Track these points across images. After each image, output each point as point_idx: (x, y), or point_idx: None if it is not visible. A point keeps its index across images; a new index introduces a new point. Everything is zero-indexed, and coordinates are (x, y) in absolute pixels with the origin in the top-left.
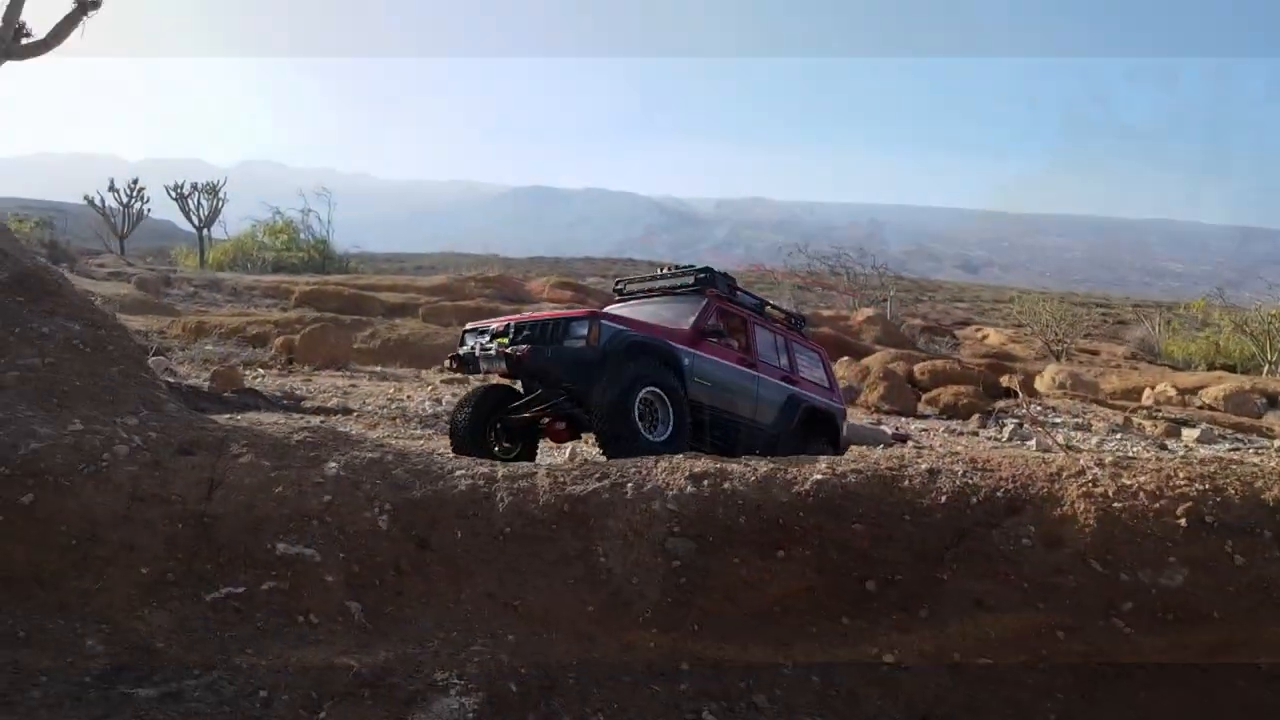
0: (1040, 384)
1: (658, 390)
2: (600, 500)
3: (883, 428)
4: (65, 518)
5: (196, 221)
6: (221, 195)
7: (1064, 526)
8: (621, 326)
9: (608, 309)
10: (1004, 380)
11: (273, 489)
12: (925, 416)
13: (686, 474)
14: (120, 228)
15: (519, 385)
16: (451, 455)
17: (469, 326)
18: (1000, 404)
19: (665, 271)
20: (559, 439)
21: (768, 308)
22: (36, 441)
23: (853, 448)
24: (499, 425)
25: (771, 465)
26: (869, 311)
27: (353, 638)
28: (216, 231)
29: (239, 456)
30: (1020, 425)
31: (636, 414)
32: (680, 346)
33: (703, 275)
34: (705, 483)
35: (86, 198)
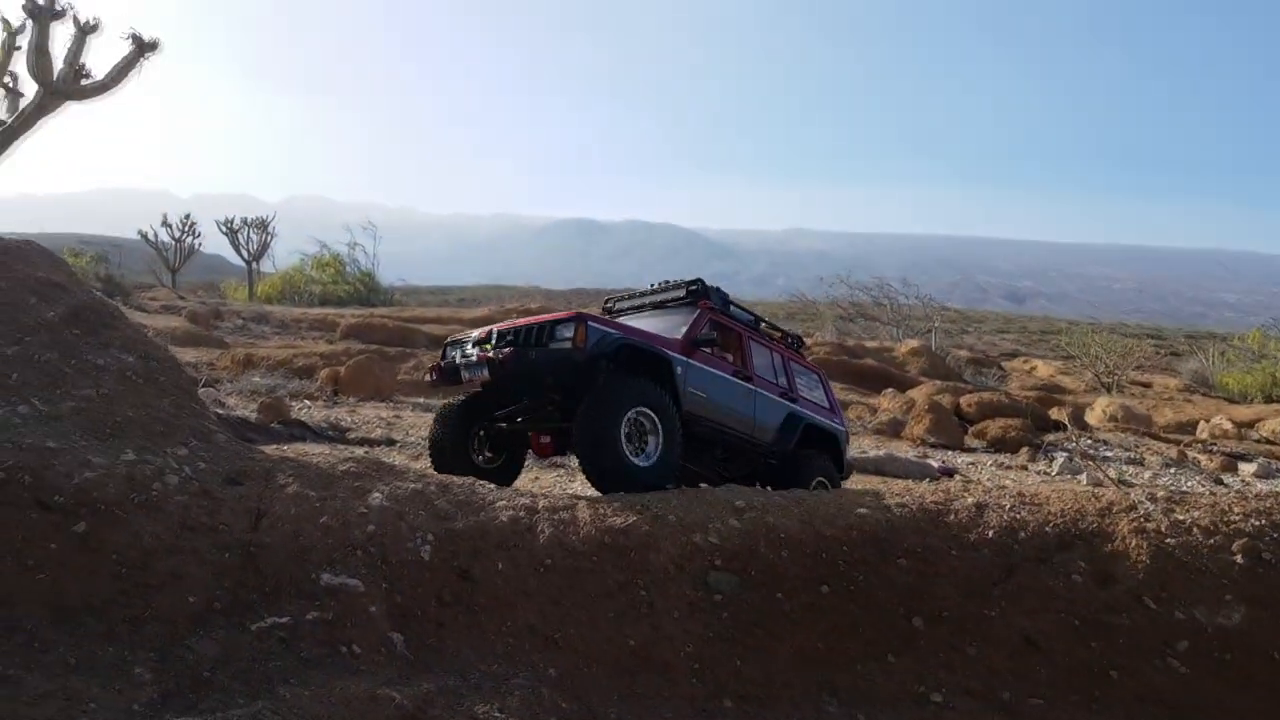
0: (1091, 417)
1: (647, 410)
2: (641, 533)
3: (929, 461)
4: (116, 546)
5: (246, 255)
6: (270, 230)
7: (1116, 563)
8: (609, 329)
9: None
10: (1053, 413)
11: (318, 519)
12: (972, 450)
13: (728, 507)
14: (173, 262)
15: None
16: (493, 487)
17: (450, 339)
18: (1050, 437)
19: (655, 287)
20: (544, 453)
21: (763, 325)
22: (90, 471)
23: (897, 482)
24: (482, 434)
25: (814, 499)
26: (914, 343)
27: (395, 669)
28: (265, 265)
29: (285, 487)
30: (1071, 459)
31: (624, 439)
32: (673, 354)
33: (694, 287)
34: (747, 516)
35: (140, 233)
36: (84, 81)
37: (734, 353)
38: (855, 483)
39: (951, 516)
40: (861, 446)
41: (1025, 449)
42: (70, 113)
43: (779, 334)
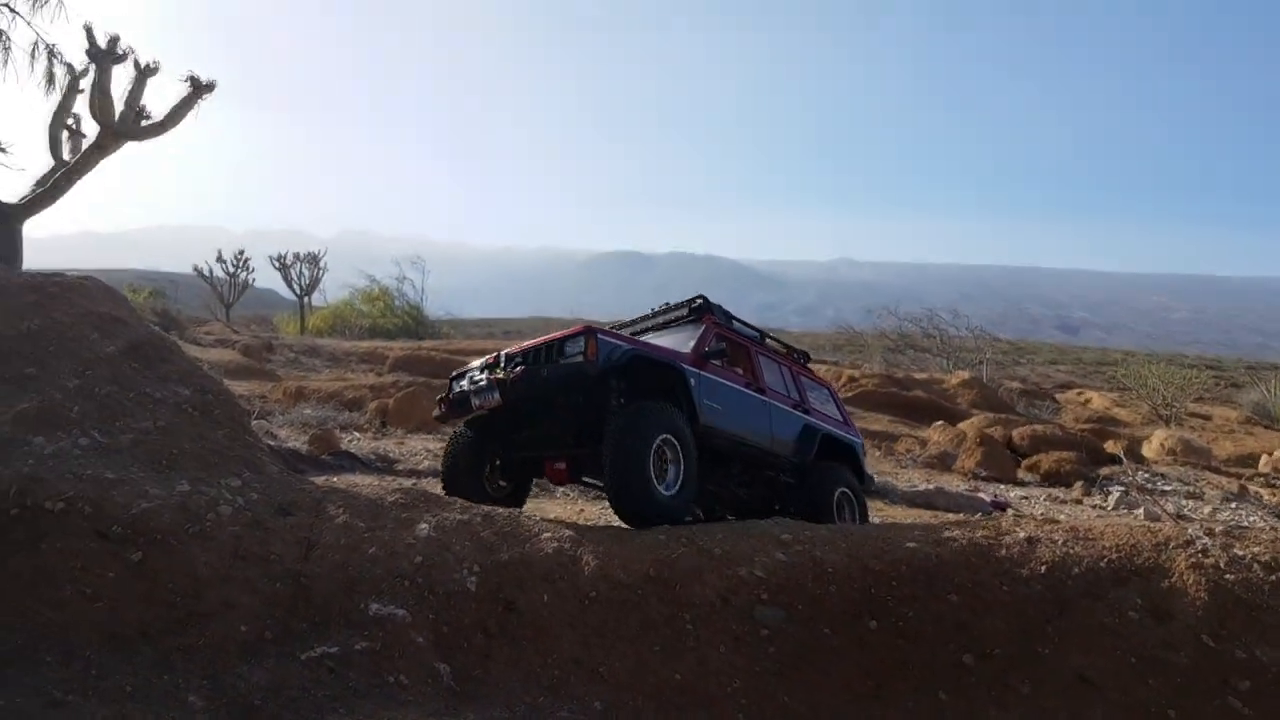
0: (1148, 450)
1: (670, 438)
2: (686, 566)
3: (980, 495)
4: (171, 575)
5: (298, 290)
6: (322, 264)
7: (1173, 599)
8: (619, 342)
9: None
10: (1109, 446)
11: (366, 549)
12: (1025, 483)
13: (774, 540)
14: (227, 297)
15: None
16: (537, 518)
17: (455, 373)
18: (1105, 471)
19: (655, 310)
20: (558, 480)
21: (768, 339)
22: (147, 502)
23: (947, 515)
24: (498, 462)
25: (862, 532)
26: (964, 374)
27: (441, 700)
28: (316, 299)
29: (335, 517)
30: (1127, 493)
31: (652, 467)
32: (686, 366)
33: (697, 304)
34: (793, 549)
35: (195, 268)
36: (143, 122)
37: (743, 366)
38: (904, 516)
39: (1002, 551)
40: (911, 480)
41: (1080, 483)
42: (129, 151)
43: (785, 349)
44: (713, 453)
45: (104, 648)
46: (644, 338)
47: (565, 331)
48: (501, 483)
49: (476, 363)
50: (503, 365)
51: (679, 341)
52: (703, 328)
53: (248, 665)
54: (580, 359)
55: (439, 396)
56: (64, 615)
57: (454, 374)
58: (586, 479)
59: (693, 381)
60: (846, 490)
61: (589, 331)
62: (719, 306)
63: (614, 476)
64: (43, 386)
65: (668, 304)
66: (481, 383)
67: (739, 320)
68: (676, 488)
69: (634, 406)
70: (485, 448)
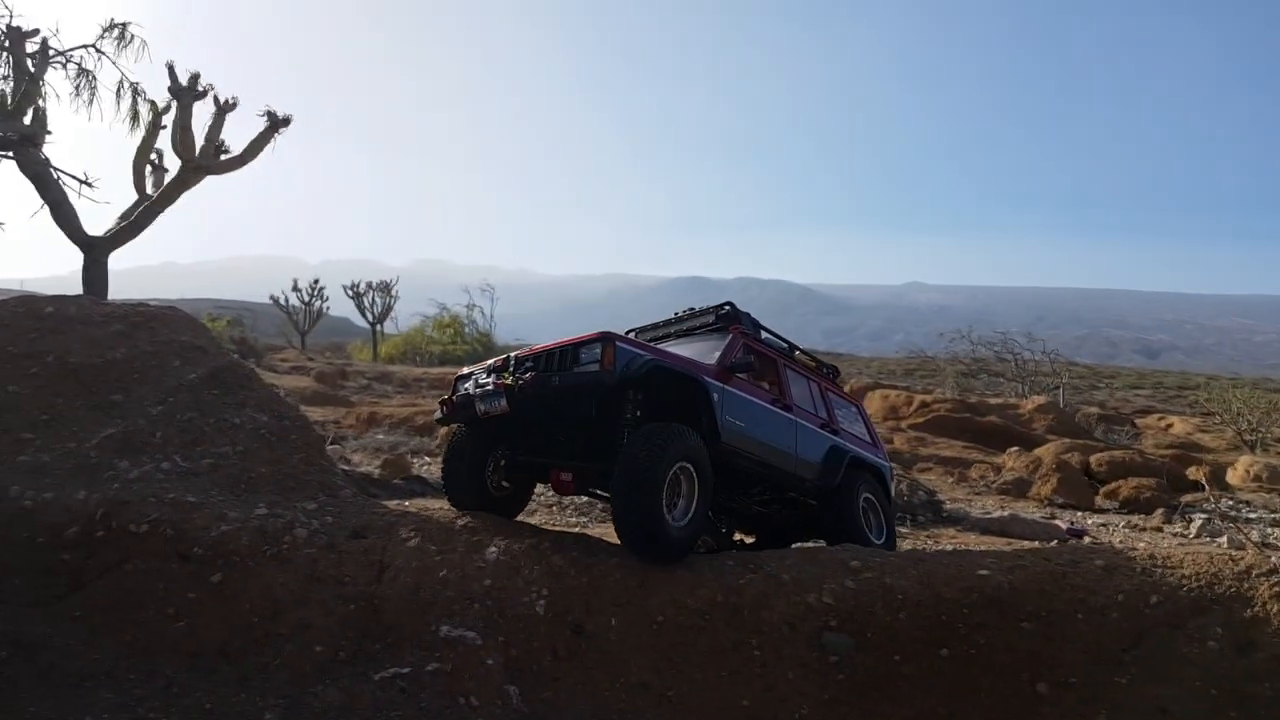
0: (1232, 477)
1: (687, 465)
2: (755, 592)
3: (1056, 522)
4: (249, 596)
5: (370, 318)
6: (393, 293)
7: (1256, 629)
8: (639, 350)
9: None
10: (1191, 473)
11: (437, 572)
12: (1103, 511)
13: (843, 567)
14: (302, 325)
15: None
16: (606, 542)
17: (461, 373)
18: (1187, 498)
19: (680, 314)
20: (563, 491)
21: (798, 353)
22: (226, 524)
23: (1023, 543)
24: (502, 464)
25: (933, 559)
26: (1040, 399)
27: None
28: (388, 327)
29: (407, 541)
30: (1210, 521)
31: (665, 496)
32: (709, 379)
33: (724, 311)
34: (863, 576)
35: (272, 297)
36: (223, 156)
37: (770, 381)
38: (977, 543)
39: (1078, 579)
40: (984, 506)
41: (1160, 510)
42: (209, 184)
43: (814, 363)
44: (732, 472)
45: (184, 666)
46: (667, 345)
47: (581, 336)
48: (504, 483)
49: (488, 362)
50: (512, 369)
51: (703, 351)
52: (729, 338)
53: (323, 685)
54: (596, 368)
55: (441, 399)
56: (146, 634)
57: (460, 374)
58: (594, 491)
59: (715, 396)
60: (870, 496)
61: (607, 338)
62: (747, 315)
63: (623, 504)
64: (128, 412)
65: (693, 309)
66: (488, 387)
67: (768, 330)
68: (686, 519)
69: (651, 428)
70: (488, 448)
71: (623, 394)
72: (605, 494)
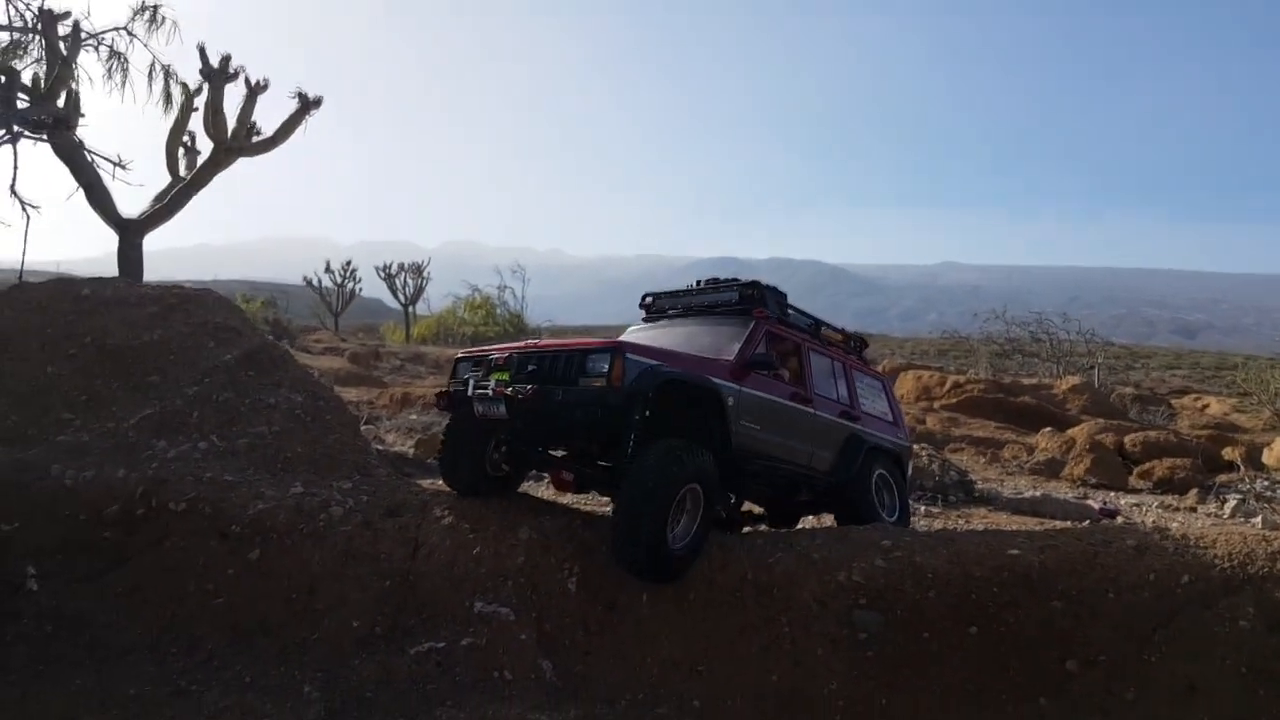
0: (1269, 457)
1: (696, 487)
2: (785, 570)
3: (1089, 502)
4: (287, 573)
5: (403, 299)
6: (425, 274)
7: None
8: (652, 360)
9: (633, 332)
10: (1226, 453)
11: (471, 550)
12: (1137, 491)
13: (874, 546)
14: (335, 306)
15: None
16: None
17: (462, 354)
18: (1222, 478)
19: (703, 285)
20: (563, 488)
21: (824, 329)
22: (263, 503)
23: (1054, 523)
24: (503, 449)
25: (964, 538)
26: (1074, 379)
27: (545, 694)
28: (421, 308)
29: (441, 519)
30: (1244, 501)
31: (669, 525)
32: (723, 383)
33: (749, 291)
34: (893, 555)
35: (305, 279)
36: (255, 138)
37: (791, 369)
38: (1009, 523)
39: (1110, 558)
40: (1017, 486)
41: (1194, 490)
42: (241, 166)
43: (840, 336)
44: (743, 474)
45: (224, 640)
46: (684, 324)
47: (589, 342)
48: (504, 465)
49: (493, 351)
50: (514, 371)
51: (722, 340)
52: (751, 325)
53: (360, 659)
54: (602, 383)
55: (438, 390)
56: (186, 609)
57: (461, 355)
58: (595, 491)
59: (730, 401)
60: (885, 474)
61: (617, 349)
62: (773, 291)
63: (624, 524)
64: (164, 393)
65: (716, 280)
66: (488, 391)
67: (794, 309)
68: (687, 539)
69: (663, 446)
70: (488, 434)
71: (631, 407)
72: (605, 495)
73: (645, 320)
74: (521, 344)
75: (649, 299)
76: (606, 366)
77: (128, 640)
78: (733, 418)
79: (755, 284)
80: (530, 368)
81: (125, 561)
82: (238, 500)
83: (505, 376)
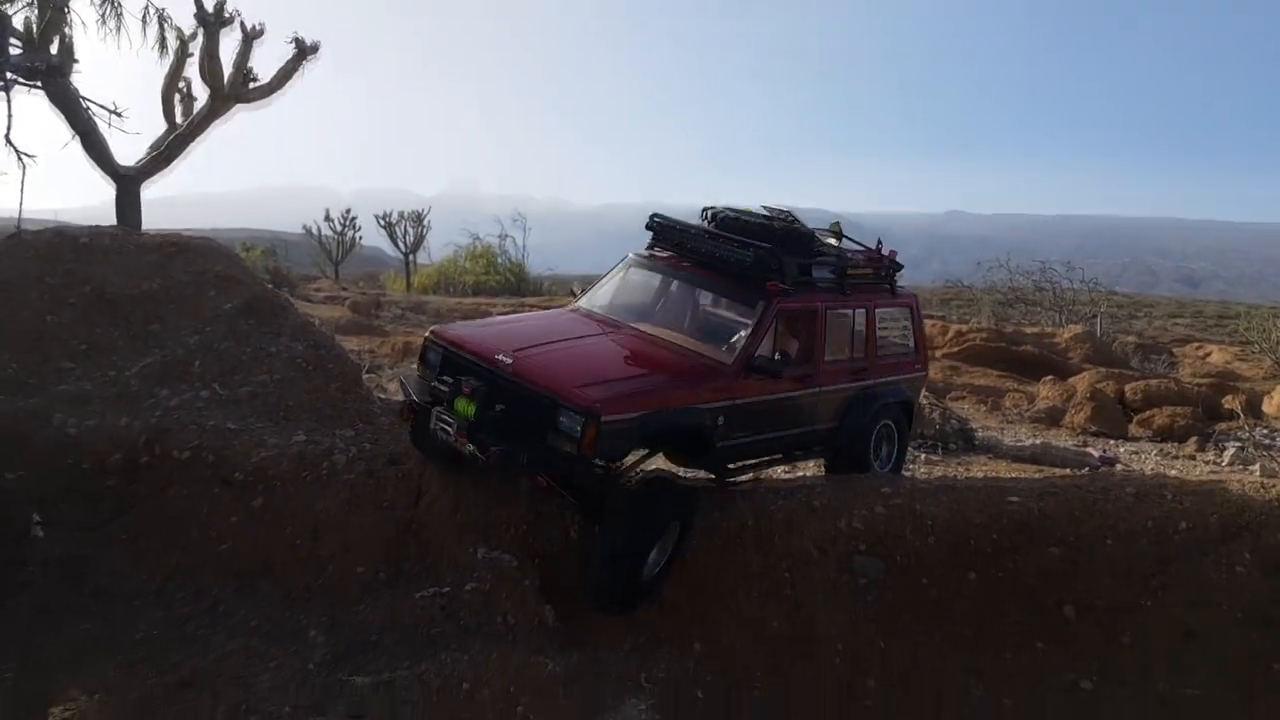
0: (1268, 406)
1: (676, 523)
2: (785, 517)
3: (1088, 451)
4: (291, 520)
5: (403, 248)
6: (425, 223)
7: None
8: (632, 414)
9: (627, 273)
10: (1226, 402)
11: (473, 498)
12: (1136, 439)
13: (875, 494)
14: (335, 255)
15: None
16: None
17: (431, 336)
18: (1221, 427)
19: (718, 225)
20: (541, 492)
21: (850, 271)
22: (266, 451)
23: (1054, 471)
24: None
25: (963, 486)
26: (1077, 329)
27: (548, 639)
28: (421, 257)
29: (443, 468)
30: (1243, 449)
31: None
32: (713, 406)
33: (765, 256)
34: (894, 503)
35: (305, 227)
36: (251, 85)
37: (802, 341)
38: (1009, 471)
39: (1108, 506)
40: (1017, 435)
41: (1194, 439)
42: (239, 113)
43: (869, 271)
44: (725, 466)
45: (230, 586)
46: (687, 281)
47: (562, 392)
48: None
49: (465, 342)
50: (480, 405)
51: (724, 321)
52: (762, 310)
53: (364, 604)
54: (573, 449)
55: (402, 398)
56: (192, 556)
57: (430, 337)
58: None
59: (721, 420)
60: (890, 425)
61: (593, 414)
62: (794, 237)
63: (600, 569)
64: (165, 342)
65: (737, 215)
66: (450, 434)
67: (821, 253)
68: (656, 569)
69: (641, 498)
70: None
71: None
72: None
73: (649, 248)
74: (494, 357)
75: (658, 223)
76: (579, 432)
77: (133, 586)
78: (720, 436)
79: (774, 251)
80: (499, 406)
81: (129, 509)
82: (240, 448)
83: (470, 411)
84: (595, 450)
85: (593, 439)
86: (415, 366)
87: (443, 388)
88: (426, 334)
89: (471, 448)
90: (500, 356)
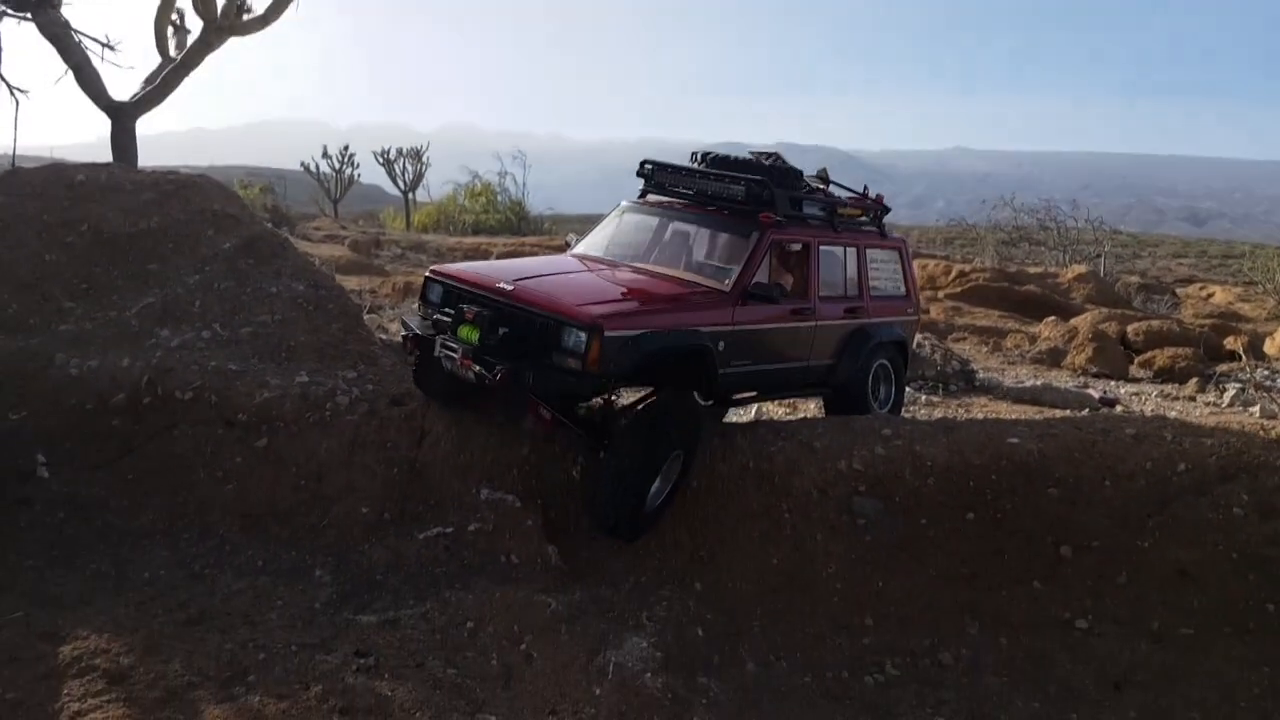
0: (1270, 347)
1: (680, 453)
2: (786, 458)
3: (1089, 391)
4: (295, 460)
5: (402, 185)
6: (425, 160)
7: None
8: (634, 331)
9: (621, 217)
10: (1228, 342)
11: (477, 439)
12: (1137, 380)
13: (875, 435)
14: (333, 192)
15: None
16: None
17: (433, 271)
18: (1222, 367)
19: (708, 164)
20: (541, 427)
21: (840, 210)
22: (269, 391)
23: (1054, 411)
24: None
25: (963, 427)
26: (1080, 268)
27: (550, 578)
28: (420, 195)
29: (446, 408)
30: (1243, 391)
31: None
32: (712, 330)
33: (757, 189)
34: (894, 444)
35: (303, 164)
36: (245, 16)
37: (795, 276)
38: (1009, 412)
39: (1108, 447)
40: (1018, 376)
41: (1194, 380)
42: (233, 47)
43: (859, 212)
44: (725, 396)
45: (236, 526)
46: (680, 219)
47: (565, 311)
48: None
49: (463, 278)
50: (484, 331)
51: (719, 252)
52: (756, 239)
53: (369, 543)
54: (578, 364)
55: (403, 334)
56: (197, 496)
57: (430, 275)
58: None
59: (720, 345)
60: (886, 364)
61: (595, 328)
62: (785, 182)
63: (607, 492)
64: (165, 282)
65: (725, 159)
66: (454, 358)
67: (810, 187)
68: (662, 497)
69: (648, 420)
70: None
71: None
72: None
73: (641, 194)
74: (495, 285)
75: (649, 168)
76: (584, 347)
77: (140, 526)
78: (721, 361)
79: (764, 182)
80: (502, 330)
81: (134, 450)
82: (243, 389)
83: (474, 337)
84: (600, 365)
85: (597, 353)
86: (416, 305)
87: (445, 318)
88: (426, 273)
89: (478, 368)
90: (501, 284)
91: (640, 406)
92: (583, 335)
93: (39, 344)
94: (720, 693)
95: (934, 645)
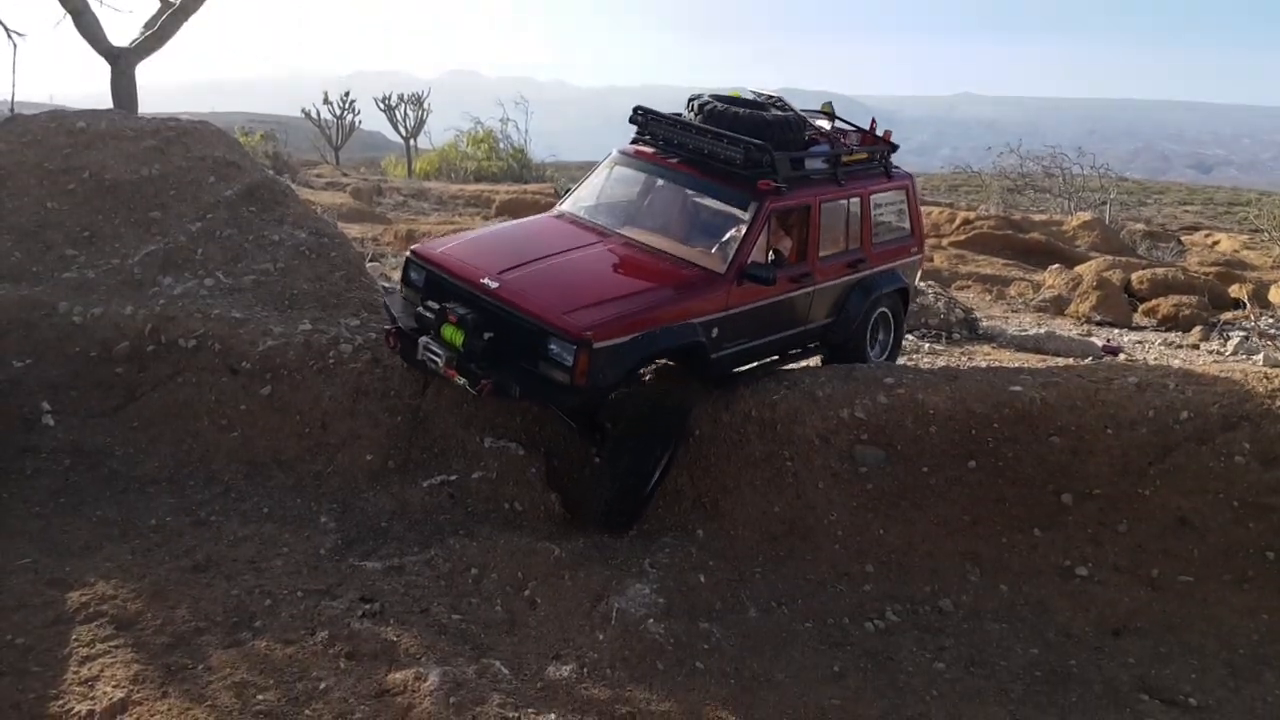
0: (1275, 295)
1: (674, 447)
2: (789, 407)
3: (1092, 340)
4: (299, 408)
5: (404, 132)
6: (426, 106)
7: None
8: (623, 338)
9: (613, 172)
10: (1233, 290)
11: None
12: (1141, 328)
13: (878, 384)
14: (335, 139)
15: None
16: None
17: (413, 253)
18: (1227, 316)
19: (705, 117)
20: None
21: (844, 159)
22: (272, 339)
23: (1057, 360)
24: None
25: (966, 376)
26: (1085, 216)
27: (554, 525)
28: (422, 142)
29: None
30: (1247, 339)
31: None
32: (706, 318)
33: (755, 153)
34: (896, 393)
35: (304, 110)
36: None
37: (795, 238)
38: (1012, 360)
39: (1110, 395)
40: (1021, 324)
41: (1198, 328)
42: None
43: (865, 156)
44: (720, 375)
45: (241, 474)
46: (673, 182)
47: (551, 320)
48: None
49: (448, 260)
50: (468, 334)
51: (714, 223)
52: (754, 212)
53: (374, 491)
54: (564, 378)
55: (386, 328)
56: (202, 443)
57: (412, 256)
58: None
59: (715, 332)
60: (886, 312)
61: (583, 341)
62: (785, 139)
63: (607, 494)
64: (167, 229)
65: (722, 113)
66: (438, 365)
67: (812, 141)
68: (652, 484)
69: (643, 422)
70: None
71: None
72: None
73: (634, 143)
74: (479, 281)
75: (641, 116)
76: (571, 360)
77: (146, 473)
78: (714, 348)
79: (764, 147)
80: (487, 335)
81: (139, 397)
82: (247, 337)
83: (459, 340)
84: (588, 379)
85: (585, 366)
86: (399, 287)
87: (428, 314)
88: (408, 253)
89: (462, 381)
90: (485, 280)
91: (629, 405)
92: (571, 348)
93: (42, 292)
94: (722, 638)
95: (934, 592)
